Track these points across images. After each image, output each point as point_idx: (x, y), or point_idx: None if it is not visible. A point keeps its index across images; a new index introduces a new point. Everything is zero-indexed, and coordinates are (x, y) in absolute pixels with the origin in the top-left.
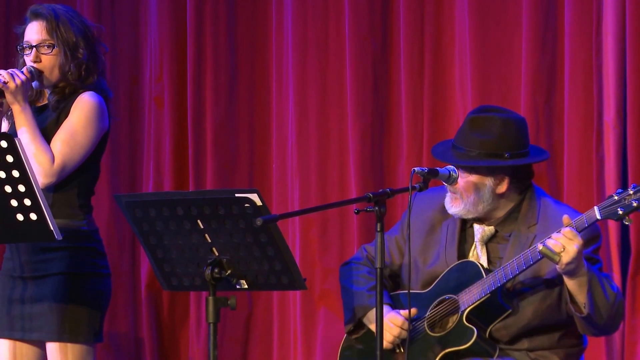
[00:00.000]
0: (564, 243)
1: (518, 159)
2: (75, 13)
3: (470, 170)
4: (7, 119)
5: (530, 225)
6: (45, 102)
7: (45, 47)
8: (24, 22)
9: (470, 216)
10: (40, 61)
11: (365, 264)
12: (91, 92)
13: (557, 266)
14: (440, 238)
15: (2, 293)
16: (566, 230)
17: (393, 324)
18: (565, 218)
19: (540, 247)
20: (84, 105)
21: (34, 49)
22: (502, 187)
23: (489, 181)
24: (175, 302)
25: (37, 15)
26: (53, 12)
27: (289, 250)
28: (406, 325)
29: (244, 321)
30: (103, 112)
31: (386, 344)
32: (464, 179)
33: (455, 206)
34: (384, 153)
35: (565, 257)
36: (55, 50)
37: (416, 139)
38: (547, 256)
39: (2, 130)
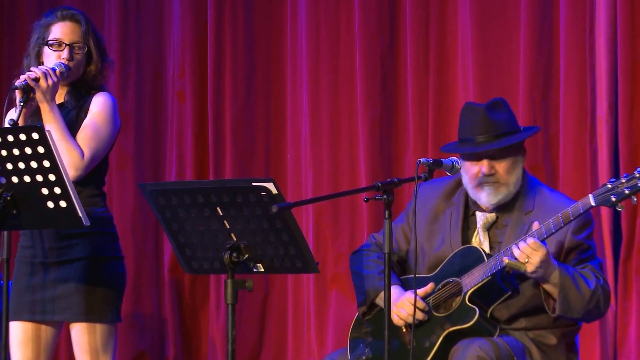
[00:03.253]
0: (528, 253)
1: (527, 131)
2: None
3: (507, 152)
4: (18, 108)
5: (526, 212)
6: (60, 101)
7: (78, 49)
8: (47, 17)
9: (508, 199)
10: (73, 60)
11: (374, 250)
12: (106, 92)
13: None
14: (444, 224)
15: (20, 278)
16: (531, 242)
17: (409, 302)
18: (535, 224)
19: (505, 260)
20: (104, 105)
21: (68, 47)
22: (525, 161)
23: (520, 157)
24: (196, 284)
25: (70, 17)
26: (87, 19)
27: (303, 236)
28: (421, 305)
29: (260, 302)
30: (117, 111)
31: (399, 320)
32: (503, 163)
33: (499, 194)
34: (392, 145)
35: (530, 267)
36: (85, 52)
37: (422, 132)
38: (513, 268)
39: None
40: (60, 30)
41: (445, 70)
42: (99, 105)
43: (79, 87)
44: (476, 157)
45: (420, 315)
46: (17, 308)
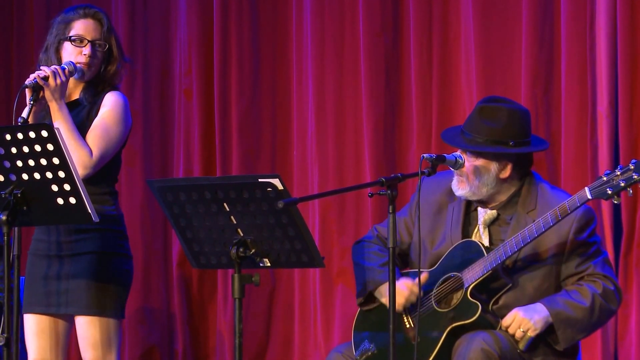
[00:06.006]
0: (517, 328)
1: (521, 148)
2: None
3: (477, 155)
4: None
5: (529, 211)
6: (75, 97)
7: (99, 46)
8: (68, 13)
9: (474, 198)
10: (95, 57)
11: (376, 243)
12: (118, 91)
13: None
14: (446, 220)
15: (35, 271)
16: (506, 321)
17: (405, 286)
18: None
19: (522, 348)
20: (115, 104)
21: (90, 44)
22: (506, 173)
23: (493, 166)
24: (204, 279)
25: (92, 15)
26: (108, 18)
27: (309, 230)
28: (416, 289)
29: (267, 297)
30: (128, 110)
31: (398, 306)
32: (471, 163)
33: (461, 188)
34: (396, 141)
35: (532, 331)
36: (105, 50)
37: (425, 128)
38: (528, 344)
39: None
40: (82, 27)
41: (448, 67)
42: (109, 104)
43: (95, 84)
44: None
45: (406, 294)
46: (31, 300)
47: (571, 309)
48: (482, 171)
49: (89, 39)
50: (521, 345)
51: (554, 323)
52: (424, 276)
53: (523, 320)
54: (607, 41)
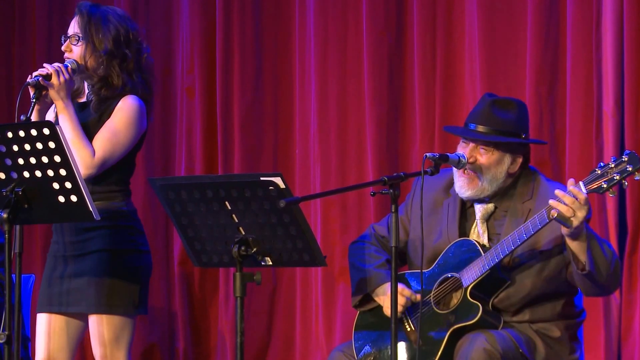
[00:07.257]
0: (576, 208)
1: (532, 140)
2: (115, 14)
3: (496, 145)
4: (53, 110)
5: (525, 201)
6: (85, 99)
7: (74, 39)
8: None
9: (483, 195)
10: (71, 51)
11: (373, 243)
12: (133, 95)
13: (564, 229)
14: (442, 217)
15: (48, 272)
16: (583, 198)
17: (400, 293)
18: (571, 182)
19: (554, 213)
20: (127, 108)
21: (68, 39)
22: (515, 167)
23: (507, 159)
24: (206, 277)
25: (77, 10)
26: (89, 10)
27: (311, 229)
28: (414, 296)
29: (268, 295)
30: (143, 115)
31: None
32: (486, 155)
33: (471, 188)
34: (399, 139)
35: (576, 222)
36: (81, 42)
37: (428, 127)
38: (561, 221)
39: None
40: (70, 26)
41: (452, 65)
42: (122, 108)
43: (99, 87)
44: (466, 140)
45: (402, 301)
46: (41, 300)
47: (601, 243)
48: (498, 163)
49: (68, 35)
50: (552, 214)
51: (587, 242)
52: (418, 297)
53: (582, 208)
54: (613, 40)
